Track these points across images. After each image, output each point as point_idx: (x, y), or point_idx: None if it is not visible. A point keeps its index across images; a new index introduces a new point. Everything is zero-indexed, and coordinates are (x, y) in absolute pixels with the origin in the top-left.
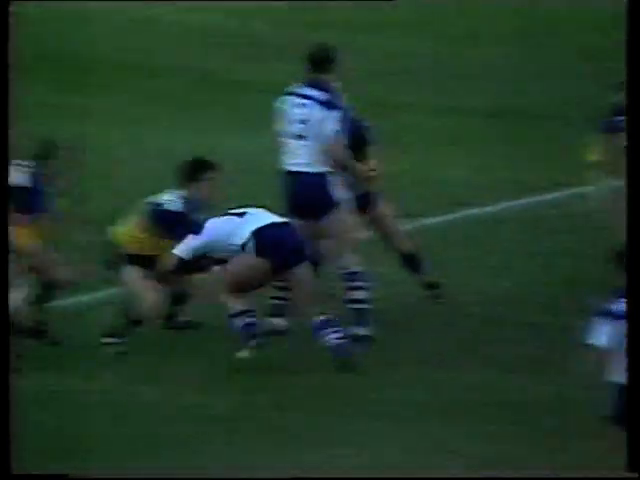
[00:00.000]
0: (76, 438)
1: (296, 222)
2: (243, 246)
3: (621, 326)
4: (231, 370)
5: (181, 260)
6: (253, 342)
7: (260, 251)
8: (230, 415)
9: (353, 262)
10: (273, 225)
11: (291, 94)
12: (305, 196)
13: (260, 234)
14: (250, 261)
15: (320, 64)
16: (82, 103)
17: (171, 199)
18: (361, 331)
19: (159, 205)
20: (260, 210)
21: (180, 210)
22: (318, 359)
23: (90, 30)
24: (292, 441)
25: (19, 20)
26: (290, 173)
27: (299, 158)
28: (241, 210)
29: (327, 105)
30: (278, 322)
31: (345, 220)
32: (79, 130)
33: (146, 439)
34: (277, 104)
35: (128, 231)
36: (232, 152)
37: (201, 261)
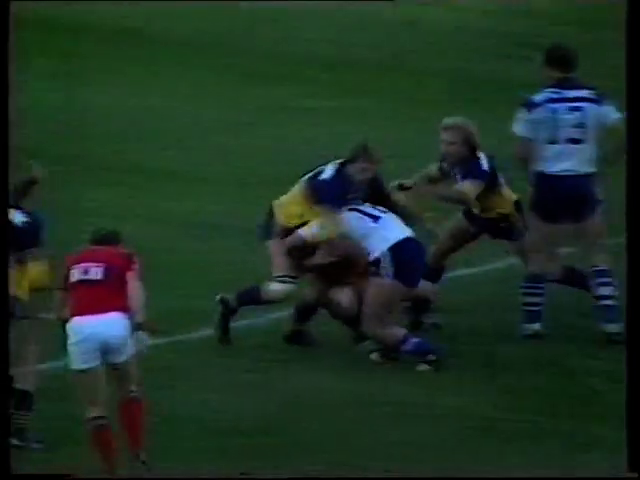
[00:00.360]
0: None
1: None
2: (376, 261)
3: None
4: (485, 372)
5: (303, 241)
6: (431, 356)
7: (398, 272)
8: (485, 417)
9: (603, 260)
10: (408, 240)
11: (555, 100)
12: (575, 198)
13: (398, 252)
14: (389, 288)
15: (573, 63)
16: (360, 105)
17: (328, 169)
18: (610, 328)
19: (316, 174)
20: (392, 216)
21: (330, 178)
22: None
23: (344, 30)
24: (550, 444)
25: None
26: (558, 177)
27: (572, 161)
28: (374, 212)
29: (598, 101)
30: None
31: (602, 221)
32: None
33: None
34: (528, 110)
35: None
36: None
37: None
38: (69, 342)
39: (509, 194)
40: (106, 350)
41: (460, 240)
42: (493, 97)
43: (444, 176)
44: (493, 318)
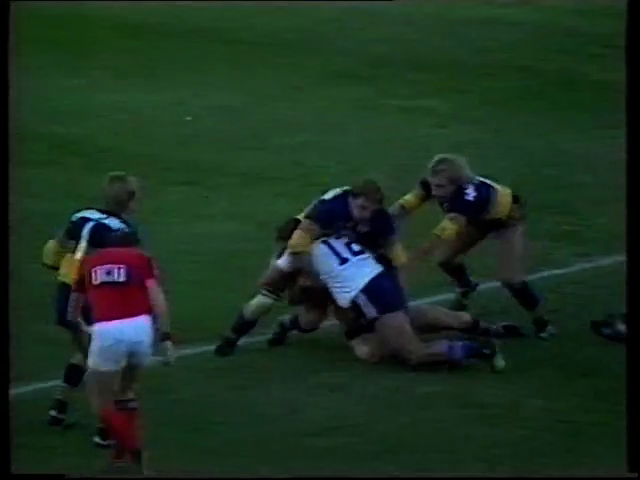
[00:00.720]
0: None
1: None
2: (355, 306)
3: None
4: (571, 373)
5: (280, 272)
6: (486, 350)
7: (380, 306)
8: (572, 420)
9: None
10: (379, 277)
11: None
12: None
13: (371, 290)
14: (392, 322)
15: None
16: (442, 105)
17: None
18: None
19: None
20: (363, 257)
21: (328, 199)
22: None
23: (425, 29)
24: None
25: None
26: None
27: None
28: (345, 253)
29: None
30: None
31: None
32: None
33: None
34: None
35: None
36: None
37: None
38: (95, 344)
39: (506, 198)
40: (132, 353)
41: (467, 241)
42: (575, 96)
43: (423, 200)
44: (579, 319)
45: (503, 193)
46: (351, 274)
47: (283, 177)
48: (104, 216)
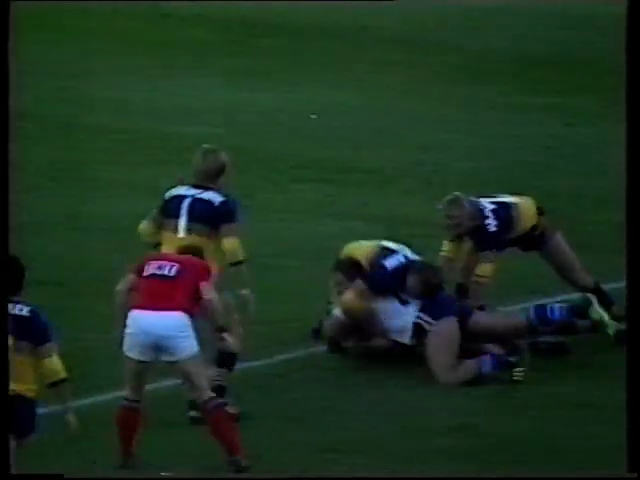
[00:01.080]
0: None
1: None
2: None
3: None
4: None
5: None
6: (511, 358)
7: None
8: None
9: None
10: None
11: None
12: None
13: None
14: (445, 328)
15: None
16: (568, 103)
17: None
18: None
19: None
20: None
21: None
22: None
23: (550, 26)
24: None
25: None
26: None
27: None
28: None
29: None
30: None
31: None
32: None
33: None
34: None
35: None
36: None
37: None
38: (126, 329)
39: (529, 207)
40: (160, 348)
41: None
42: None
43: (458, 248)
44: None
45: (523, 204)
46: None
47: (409, 176)
48: (199, 191)
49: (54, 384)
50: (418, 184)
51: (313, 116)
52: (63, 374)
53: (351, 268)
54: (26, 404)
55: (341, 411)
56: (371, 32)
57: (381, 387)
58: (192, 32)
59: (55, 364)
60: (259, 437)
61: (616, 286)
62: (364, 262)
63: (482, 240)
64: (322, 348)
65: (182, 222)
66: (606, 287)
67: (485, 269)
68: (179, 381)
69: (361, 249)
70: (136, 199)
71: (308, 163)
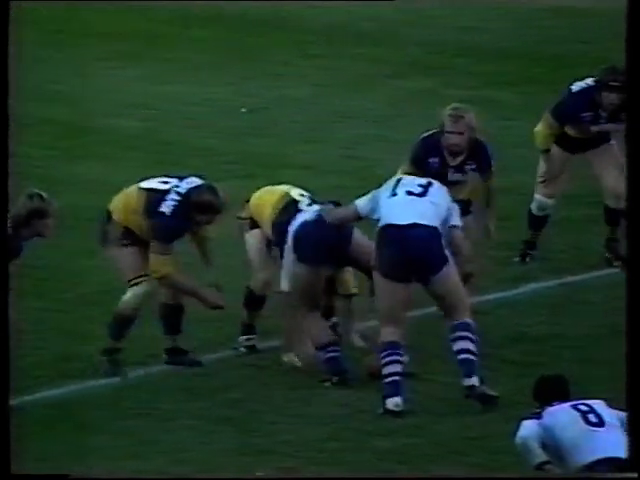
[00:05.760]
0: None
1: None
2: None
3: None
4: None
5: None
6: (335, 378)
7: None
8: None
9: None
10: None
11: None
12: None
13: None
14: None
15: None
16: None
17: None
18: (467, 381)
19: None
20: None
21: None
22: None
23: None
24: None
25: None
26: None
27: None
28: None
29: None
30: None
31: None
32: None
33: None
34: None
35: None
36: None
37: None
38: None
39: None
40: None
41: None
42: None
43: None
44: None
45: None
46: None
47: (341, 170)
48: None
49: None
50: (349, 179)
51: (243, 110)
52: None
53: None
54: None
55: (272, 412)
56: (300, 24)
57: (315, 387)
58: (128, 23)
59: None
60: (184, 437)
61: None
62: (271, 210)
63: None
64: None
65: None
66: None
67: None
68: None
69: (272, 196)
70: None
71: (238, 159)
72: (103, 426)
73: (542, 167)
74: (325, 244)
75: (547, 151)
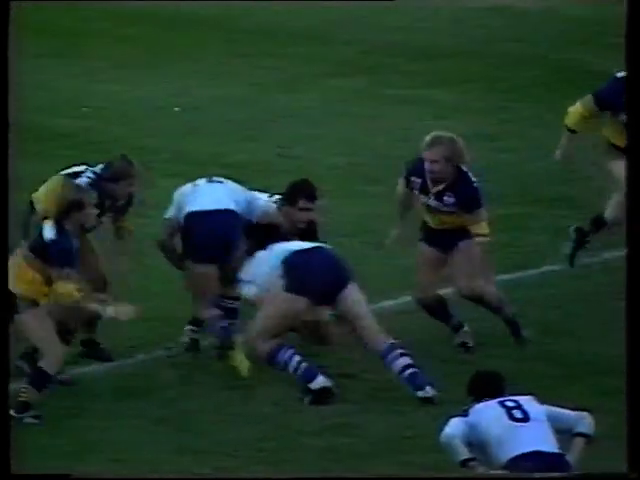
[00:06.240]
0: None
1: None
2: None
3: None
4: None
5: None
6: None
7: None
8: None
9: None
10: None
11: None
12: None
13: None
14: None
15: None
16: (445, 96)
17: None
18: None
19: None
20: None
21: None
22: None
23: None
24: None
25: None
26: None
27: None
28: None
29: None
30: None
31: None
32: None
33: None
34: None
35: None
36: None
37: None
38: None
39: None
40: None
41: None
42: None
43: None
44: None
45: None
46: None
47: (276, 169)
48: None
49: None
50: (284, 178)
51: (177, 109)
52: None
53: None
54: None
55: (210, 411)
56: (233, 23)
57: (252, 387)
58: (56, 20)
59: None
60: (122, 437)
61: None
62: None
63: (466, 190)
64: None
65: None
66: None
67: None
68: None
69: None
70: None
71: (172, 157)
72: (40, 425)
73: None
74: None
75: (573, 132)
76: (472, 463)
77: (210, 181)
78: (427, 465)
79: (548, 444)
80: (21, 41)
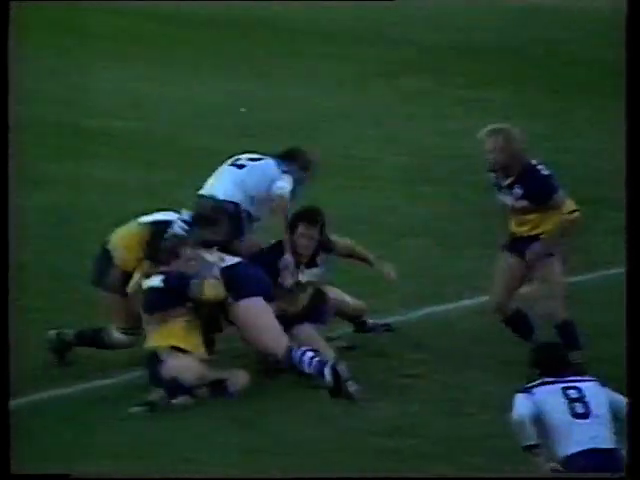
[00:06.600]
0: None
1: None
2: None
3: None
4: None
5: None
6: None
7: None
8: None
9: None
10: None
11: None
12: None
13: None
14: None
15: None
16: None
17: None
18: None
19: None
20: None
21: None
22: None
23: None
24: None
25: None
26: None
27: None
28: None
29: None
30: None
31: None
32: None
33: None
34: None
35: None
36: None
37: None
38: None
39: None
40: None
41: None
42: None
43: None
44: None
45: None
46: None
47: (336, 170)
48: None
49: None
50: (349, 179)
51: (243, 110)
52: None
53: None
54: None
55: (275, 411)
56: (298, 24)
57: (314, 387)
58: (115, 23)
59: None
60: (191, 437)
61: None
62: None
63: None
64: None
65: None
66: None
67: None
68: None
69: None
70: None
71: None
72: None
73: None
74: None
75: None
76: (536, 450)
77: (233, 163)
78: (490, 468)
79: (605, 440)
80: (83, 46)
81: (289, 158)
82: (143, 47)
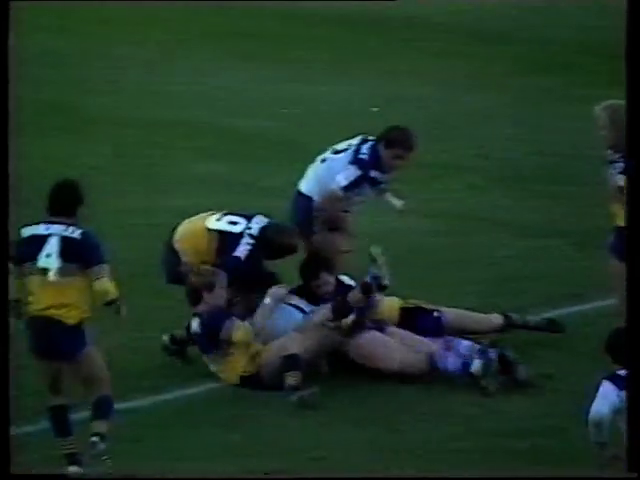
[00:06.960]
0: None
1: None
2: None
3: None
4: None
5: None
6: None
7: None
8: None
9: None
10: None
11: None
12: None
13: None
14: None
15: None
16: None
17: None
18: None
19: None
20: None
21: None
22: None
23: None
24: None
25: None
26: None
27: None
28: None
29: None
30: None
31: None
32: None
33: None
34: None
35: None
36: None
37: None
38: None
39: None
40: None
41: None
42: None
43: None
44: None
45: None
46: None
47: (470, 169)
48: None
49: (108, 304)
50: (482, 179)
51: (375, 109)
52: (114, 294)
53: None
54: (63, 329)
55: (400, 410)
56: (426, 22)
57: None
58: (245, 24)
59: (106, 285)
60: (325, 438)
61: None
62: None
63: None
64: None
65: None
66: None
67: None
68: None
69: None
70: (189, 194)
71: None
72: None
73: None
74: None
75: None
76: (607, 453)
77: (322, 157)
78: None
79: None
80: (207, 45)
81: (381, 139)
82: (286, 47)
